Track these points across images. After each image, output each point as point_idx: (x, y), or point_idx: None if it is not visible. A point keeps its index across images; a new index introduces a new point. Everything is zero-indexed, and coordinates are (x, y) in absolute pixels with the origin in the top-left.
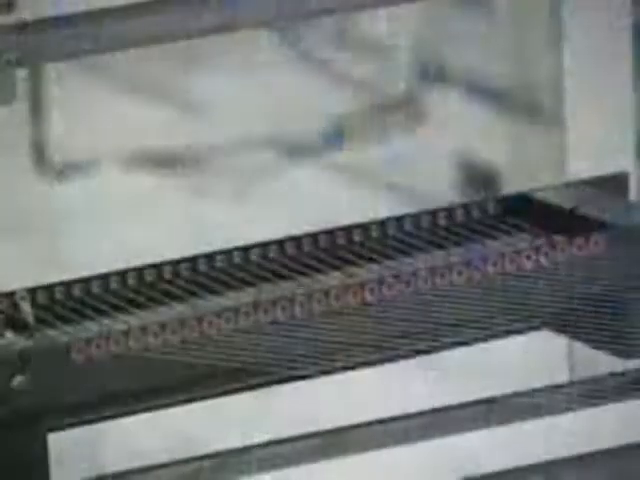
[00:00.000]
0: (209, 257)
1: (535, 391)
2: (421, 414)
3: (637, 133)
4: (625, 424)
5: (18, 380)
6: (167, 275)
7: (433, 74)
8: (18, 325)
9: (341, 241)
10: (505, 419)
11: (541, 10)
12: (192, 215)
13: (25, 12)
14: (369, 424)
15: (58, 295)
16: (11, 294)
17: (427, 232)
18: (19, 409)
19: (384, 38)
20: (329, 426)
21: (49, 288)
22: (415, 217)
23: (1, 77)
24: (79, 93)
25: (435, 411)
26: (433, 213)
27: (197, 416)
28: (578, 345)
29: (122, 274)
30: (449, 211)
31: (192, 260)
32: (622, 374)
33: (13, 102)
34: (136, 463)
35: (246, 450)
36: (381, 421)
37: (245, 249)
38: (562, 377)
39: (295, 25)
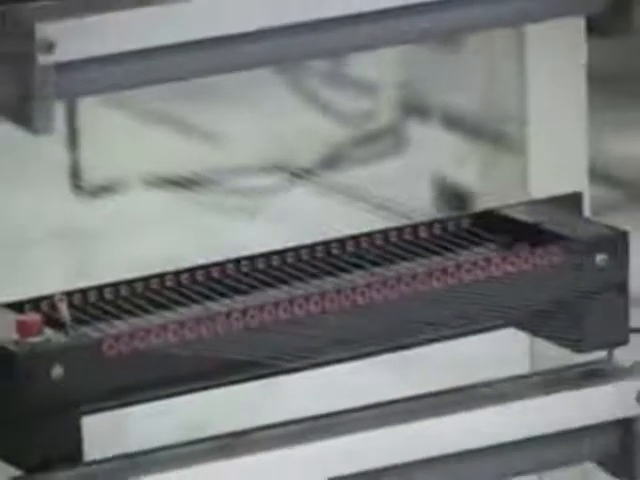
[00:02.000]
0: (221, 265)
1: (501, 380)
2: (396, 401)
3: (589, 158)
4: (578, 410)
5: (56, 372)
6: (184, 280)
7: (413, 107)
8: (56, 324)
9: (335, 251)
10: (472, 405)
11: (507, 52)
12: (206, 228)
13: (63, 53)
14: (352, 410)
15: (91, 297)
16: (50, 297)
17: (409, 243)
18: (57, 397)
19: (370, 77)
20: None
21: (83, 291)
22: (398, 230)
23: (42, 109)
24: (109, 123)
25: (409, 399)
26: (414, 227)
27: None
28: (538, 340)
29: (146, 279)
30: (428, 225)
31: (206, 267)
32: (577, 366)
33: (52, 131)
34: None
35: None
36: (361, 408)
37: (252, 258)
38: (524, 369)
39: (295, 66)
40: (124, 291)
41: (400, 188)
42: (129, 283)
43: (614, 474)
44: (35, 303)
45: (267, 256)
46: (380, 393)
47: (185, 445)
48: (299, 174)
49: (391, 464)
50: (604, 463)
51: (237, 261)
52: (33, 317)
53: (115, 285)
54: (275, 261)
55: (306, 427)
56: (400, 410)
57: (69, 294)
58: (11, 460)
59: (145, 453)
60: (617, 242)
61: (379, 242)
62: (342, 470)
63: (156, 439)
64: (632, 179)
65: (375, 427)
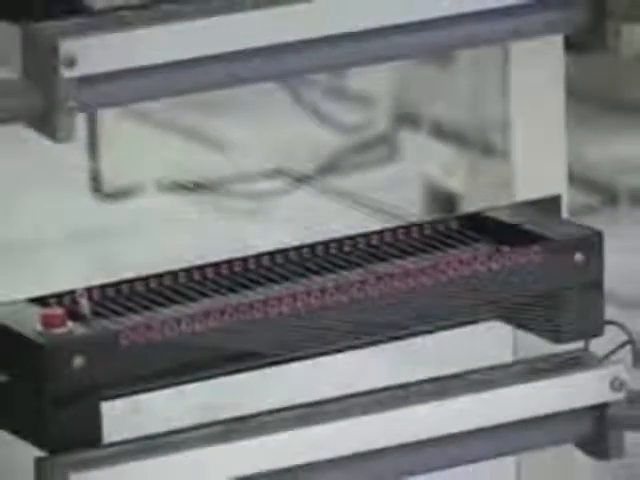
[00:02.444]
0: (228, 262)
1: (486, 369)
2: (391, 387)
3: (568, 165)
4: (557, 396)
5: (77, 361)
6: (195, 277)
7: (405, 118)
8: (77, 317)
9: (333, 250)
10: (459, 392)
11: (492, 67)
12: (215, 229)
13: (84, 68)
14: (348, 395)
15: (109, 292)
16: (72, 292)
17: (402, 243)
18: (78, 384)
19: (366, 91)
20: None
21: (102, 287)
22: (392, 231)
23: (64, 120)
24: (126, 133)
25: (401, 386)
26: (407, 228)
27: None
28: (520, 332)
29: (160, 276)
30: (419, 226)
31: (214, 265)
32: (555, 355)
33: (73, 140)
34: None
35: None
36: (356, 394)
37: (257, 256)
38: (508, 358)
39: (297, 80)
40: (139, 287)
41: (393, 192)
42: (144, 279)
43: (590, 454)
44: (58, 298)
45: (271, 254)
46: (374, 380)
47: (195, 428)
48: (300, 179)
49: (383, 446)
50: (581, 444)
51: (244, 259)
52: (56, 311)
53: (131, 281)
54: (278, 259)
55: (303, 412)
56: (392, 396)
57: (89, 290)
58: (36, 442)
59: (158, 436)
60: (593, 242)
61: (374, 242)
62: (339, 451)
63: (169, 422)
64: (608, 183)
65: (369, 412)
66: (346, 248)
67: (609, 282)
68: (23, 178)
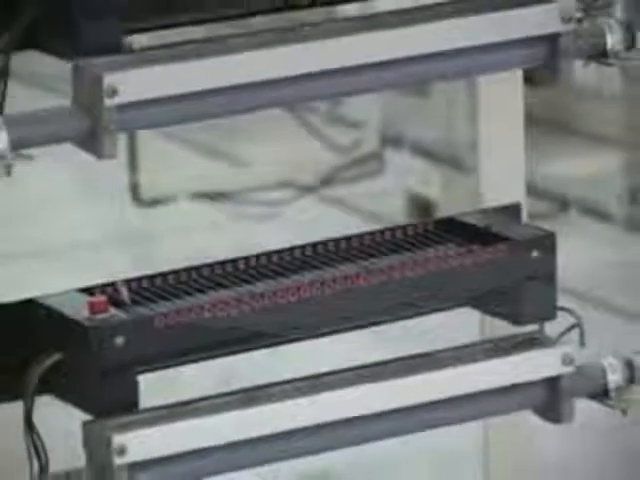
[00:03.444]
0: (246, 259)
1: (456, 347)
2: (376, 363)
3: (526, 178)
4: (516, 369)
5: (118, 341)
6: (217, 270)
7: (390, 140)
8: (118, 304)
9: (331, 248)
10: (433, 366)
11: (463, 97)
12: (233, 231)
13: (124, 97)
14: (342, 370)
15: (145, 283)
16: (114, 283)
17: (387, 242)
18: (119, 360)
19: (358, 116)
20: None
21: (139, 279)
22: (380, 232)
23: (107, 141)
24: (160, 150)
25: (380, 362)
26: (392, 230)
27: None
28: (487, 317)
29: (188, 269)
30: (402, 228)
31: (234, 261)
32: (516, 336)
33: (115, 157)
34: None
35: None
36: (348, 369)
37: (268, 254)
38: (475, 338)
39: (301, 107)
40: (171, 279)
41: (380, 200)
42: (174, 273)
43: (546, 419)
44: (103, 288)
45: (279, 252)
46: (362, 357)
47: (218, 396)
48: (304, 190)
49: (372, 412)
50: (538, 411)
51: (256, 256)
52: (101, 299)
53: (164, 274)
54: (285, 256)
55: (304, 383)
56: (377, 370)
57: (128, 281)
58: (84, 408)
59: (187, 403)
60: (547, 241)
61: (365, 241)
62: (336, 416)
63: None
64: (559, 193)
65: (359, 383)
66: (342, 246)
67: (561, 274)
68: (75, 189)
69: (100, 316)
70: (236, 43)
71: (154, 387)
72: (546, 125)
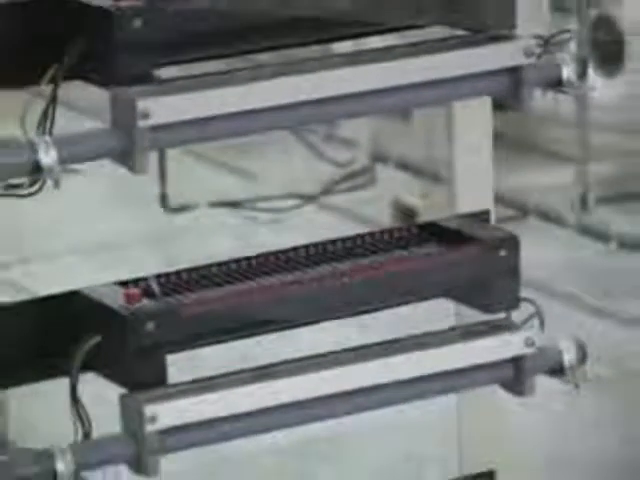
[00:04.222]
0: (256, 257)
1: (434, 332)
2: (364, 346)
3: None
4: (487, 350)
5: (149, 326)
6: (233, 267)
7: (380, 156)
8: (150, 295)
9: (329, 248)
10: (413, 349)
11: (441, 119)
12: (246, 234)
13: (155, 120)
14: (335, 352)
15: (172, 277)
16: (146, 278)
17: (377, 242)
18: (150, 342)
19: (352, 136)
20: None
21: (168, 274)
22: (371, 234)
23: (140, 157)
24: (185, 165)
25: (371, 344)
26: (381, 232)
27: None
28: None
29: (209, 266)
30: (389, 231)
31: (247, 259)
32: (486, 322)
33: (147, 171)
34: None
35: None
36: (344, 350)
37: (276, 253)
38: (451, 324)
39: (304, 128)
40: (194, 273)
41: (371, 208)
42: (198, 268)
43: (511, 392)
44: (136, 282)
45: (285, 252)
46: (354, 340)
47: (235, 373)
48: (306, 199)
49: (361, 387)
50: (505, 385)
51: (265, 255)
52: (134, 290)
53: (189, 270)
54: (291, 255)
55: (305, 362)
56: (368, 352)
57: (158, 276)
58: (120, 383)
59: (208, 379)
60: (511, 242)
61: (358, 242)
62: (332, 390)
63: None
64: (521, 201)
65: (351, 363)
66: (338, 246)
67: (523, 270)
68: (113, 198)
69: (134, 305)
70: (248, 75)
71: (180, 365)
72: (511, 144)
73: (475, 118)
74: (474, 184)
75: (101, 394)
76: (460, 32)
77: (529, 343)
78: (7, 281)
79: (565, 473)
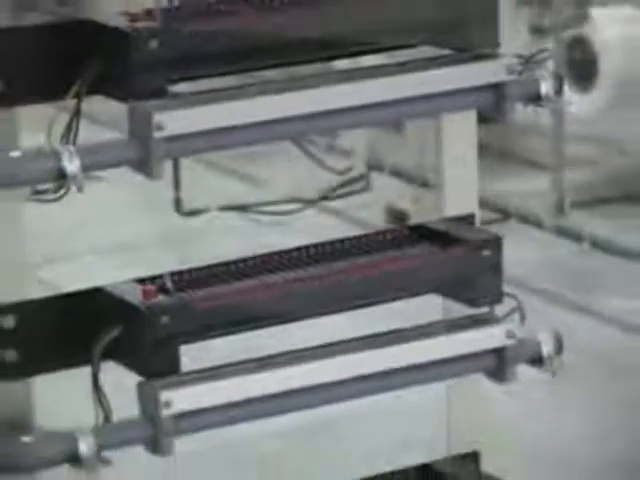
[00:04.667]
0: (263, 256)
1: (423, 325)
2: (359, 338)
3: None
4: (472, 341)
5: (164, 319)
6: (240, 265)
7: (375, 165)
8: (165, 291)
9: (328, 248)
10: (405, 340)
11: (430, 132)
12: (253, 235)
13: (169, 131)
14: (332, 343)
15: (185, 275)
16: (161, 275)
17: (373, 242)
18: (164, 334)
19: (349, 147)
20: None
21: (181, 272)
22: (367, 236)
23: (156, 165)
24: (197, 172)
25: (360, 338)
26: (376, 233)
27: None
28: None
29: (218, 265)
30: (383, 233)
31: (253, 258)
32: (471, 316)
33: (162, 177)
34: None
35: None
36: (341, 342)
37: (280, 253)
38: (439, 317)
39: (305, 139)
40: (205, 272)
41: (367, 212)
42: (208, 267)
43: (494, 379)
44: (152, 279)
45: (289, 252)
46: (351, 334)
47: (242, 362)
48: (308, 203)
49: (357, 375)
50: (488, 373)
51: (270, 254)
52: (150, 287)
53: (200, 268)
54: (294, 254)
55: (304, 353)
56: (363, 343)
57: (173, 274)
58: (138, 371)
59: (217, 367)
60: (495, 242)
61: (355, 242)
62: (329, 378)
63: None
64: (503, 206)
65: (347, 353)
66: (337, 247)
67: (505, 268)
68: (132, 202)
69: (150, 301)
70: (255, 90)
71: (192, 355)
72: (494, 153)
73: (461, 130)
74: (460, 190)
75: (120, 382)
76: (448, 51)
77: (510, 335)
78: (37, 279)
79: (542, 453)
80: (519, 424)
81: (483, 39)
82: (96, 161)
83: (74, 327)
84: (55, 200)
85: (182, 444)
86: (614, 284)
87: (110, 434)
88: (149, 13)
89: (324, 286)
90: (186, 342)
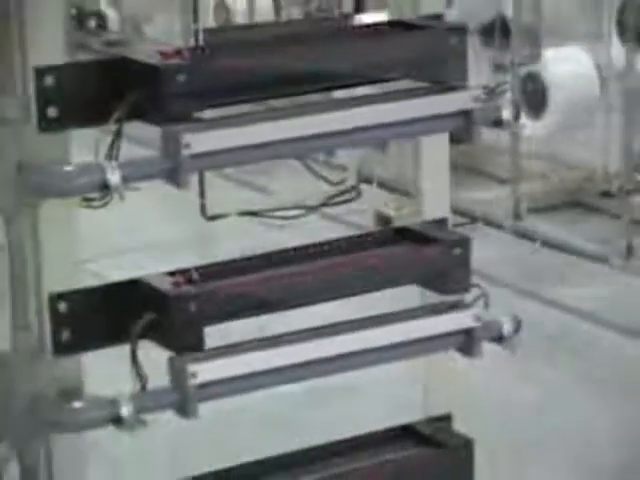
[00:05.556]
0: (273, 253)
1: (401, 310)
2: (348, 321)
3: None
4: (444, 323)
5: (190, 305)
6: (254, 260)
7: (364, 178)
8: (191, 281)
9: (325, 247)
10: (389, 322)
11: (409, 150)
12: (264, 236)
13: (195, 149)
14: (329, 325)
15: (208, 269)
16: (188, 269)
17: (363, 241)
18: (191, 317)
19: (343, 163)
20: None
21: (205, 266)
22: (358, 236)
23: (184, 177)
24: (218, 183)
25: (353, 320)
26: (366, 235)
27: None
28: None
29: (235, 260)
30: (372, 234)
31: (265, 255)
32: (444, 302)
33: (189, 187)
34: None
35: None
36: (338, 324)
37: (287, 250)
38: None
39: (307, 156)
40: (225, 266)
41: (359, 217)
42: (228, 262)
43: (464, 354)
44: (181, 272)
45: (294, 249)
46: (340, 316)
47: (257, 340)
48: (309, 209)
49: (348, 351)
50: (460, 350)
51: (279, 251)
52: (180, 278)
53: (221, 263)
54: (298, 252)
55: (308, 333)
56: (350, 326)
57: (198, 268)
58: (169, 347)
59: (237, 345)
60: (465, 242)
61: (348, 241)
62: (328, 354)
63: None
64: (471, 211)
65: (343, 333)
66: (333, 245)
67: (473, 263)
68: (164, 208)
69: (180, 289)
70: (264, 115)
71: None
72: (463, 168)
73: (436, 149)
74: (435, 199)
75: (155, 357)
76: (425, 84)
77: (477, 318)
78: (89, 271)
79: (502, 414)
80: (484, 391)
81: (454, 74)
82: (134, 174)
83: (117, 311)
84: (102, 206)
85: (204, 408)
86: (560, 276)
87: (146, 400)
88: (178, 52)
89: (323, 278)
90: (209, 324)
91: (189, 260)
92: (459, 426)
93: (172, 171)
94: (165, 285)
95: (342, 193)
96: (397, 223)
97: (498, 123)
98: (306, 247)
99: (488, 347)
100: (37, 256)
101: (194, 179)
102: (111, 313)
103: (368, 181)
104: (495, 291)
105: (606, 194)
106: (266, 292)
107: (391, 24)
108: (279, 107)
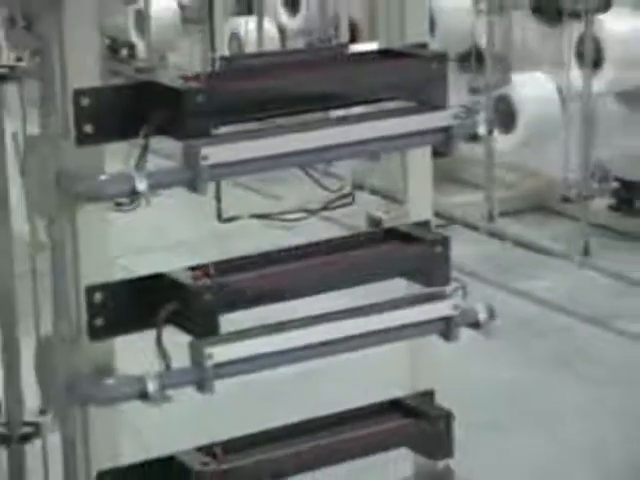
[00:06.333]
0: (279, 251)
1: (392, 299)
2: (344, 310)
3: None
4: (426, 311)
5: (208, 296)
6: (263, 257)
7: (358, 185)
8: (209, 275)
9: (324, 247)
10: (376, 311)
11: (397, 160)
12: (272, 237)
13: (212, 160)
14: (327, 313)
15: (223, 265)
16: (206, 265)
17: (356, 240)
18: (208, 306)
19: (340, 172)
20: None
21: (221, 262)
22: (352, 236)
23: (202, 185)
24: (232, 190)
25: (346, 309)
26: (359, 235)
27: None
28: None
29: (247, 257)
30: (365, 234)
31: (274, 252)
32: (427, 293)
33: (207, 193)
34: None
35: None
36: (334, 312)
37: (291, 248)
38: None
39: (309, 167)
40: (238, 262)
41: (353, 219)
42: (241, 259)
43: (445, 339)
44: (200, 267)
45: (297, 248)
46: (336, 306)
47: (263, 326)
48: (310, 213)
49: (342, 336)
50: (440, 333)
51: (285, 249)
52: (199, 273)
53: (234, 260)
54: (300, 250)
55: (309, 320)
56: (345, 314)
57: (215, 263)
58: (190, 331)
59: (245, 330)
60: (445, 241)
61: (344, 240)
62: (325, 338)
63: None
64: (450, 214)
65: (339, 319)
66: (331, 244)
67: (452, 259)
68: (185, 212)
69: (199, 282)
70: (273, 131)
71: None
72: (443, 177)
73: (420, 160)
74: (420, 203)
75: (178, 341)
76: (412, 104)
77: (456, 307)
78: (119, 265)
79: (475, 389)
80: (464, 371)
81: (436, 95)
82: (159, 182)
83: (144, 301)
84: (131, 210)
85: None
86: (527, 270)
87: (170, 378)
88: (197, 77)
89: (321, 272)
90: (223, 312)
91: (207, 256)
92: (440, 400)
93: (192, 180)
94: (186, 278)
95: (339, 199)
96: (386, 225)
97: (474, 138)
98: (307, 245)
99: (465, 332)
100: (75, 253)
101: (211, 186)
102: (139, 303)
103: (361, 188)
104: (472, 284)
105: (566, 199)
106: (272, 285)
107: (381, 52)
108: (285, 124)
